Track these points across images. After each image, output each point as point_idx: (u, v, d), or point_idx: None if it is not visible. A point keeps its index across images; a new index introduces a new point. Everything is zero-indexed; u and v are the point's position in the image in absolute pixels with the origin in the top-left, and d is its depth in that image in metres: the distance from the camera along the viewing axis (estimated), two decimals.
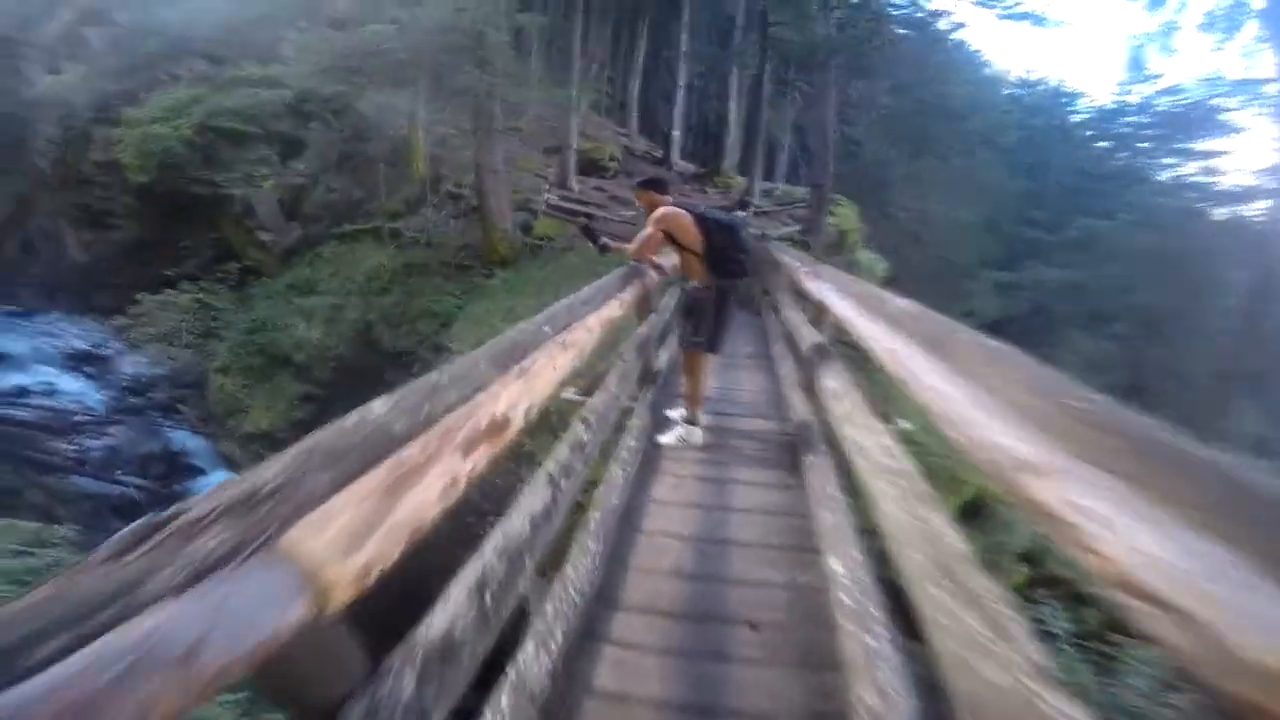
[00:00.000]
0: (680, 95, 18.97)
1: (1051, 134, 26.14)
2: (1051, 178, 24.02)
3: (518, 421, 1.22)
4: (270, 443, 10.39)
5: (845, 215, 14.20)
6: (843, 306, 2.67)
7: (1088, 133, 27.66)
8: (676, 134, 18.84)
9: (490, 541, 1.35)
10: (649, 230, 3.57)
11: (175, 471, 13.39)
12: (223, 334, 11.71)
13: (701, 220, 3.57)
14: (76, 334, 16.78)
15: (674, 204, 3.70)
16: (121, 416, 13.90)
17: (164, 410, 14.45)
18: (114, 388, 14.90)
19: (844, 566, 2.17)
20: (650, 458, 3.42)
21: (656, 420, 3.96)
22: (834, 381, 2.68)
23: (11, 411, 12.67)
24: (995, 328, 1.82)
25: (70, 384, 14.94)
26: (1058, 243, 21.02)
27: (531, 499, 1.50)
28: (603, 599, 2.16)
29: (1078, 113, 28.65)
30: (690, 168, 18.82)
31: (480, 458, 1.06)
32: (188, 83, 14.38)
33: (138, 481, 12.44)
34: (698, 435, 3.74)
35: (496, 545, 1.34)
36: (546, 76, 13.41)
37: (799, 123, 21.41)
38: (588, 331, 2.01)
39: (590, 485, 2.35)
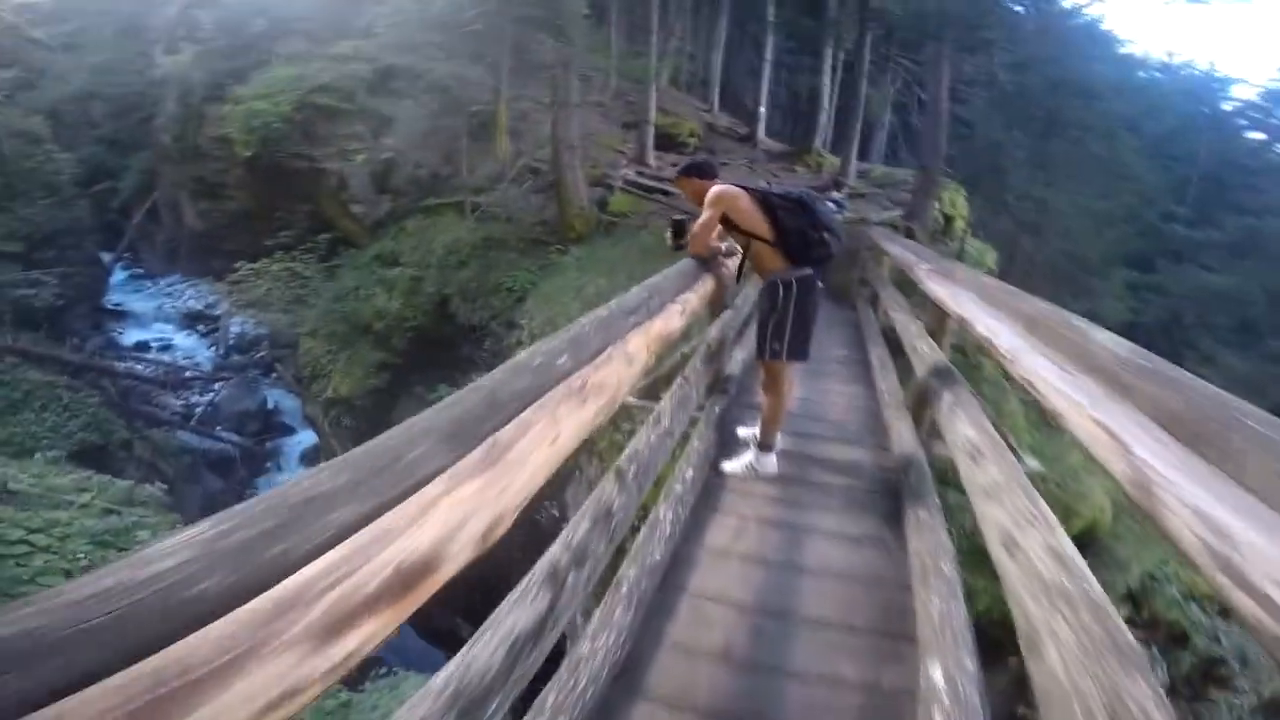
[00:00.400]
0: (767, 70, 17.80)
1: (1199, 122, 22.88)
2: (1197, 169, 20.99)
3: (456, 557, 0.74)
4: (348, 408, 10.65)
5: (952, 200, 12.81)
6: (1000, 333, 1.93)
7: (1242, 122, 24.07)
8: (763, 110, 17.76)
9: (439, 678, 0.90)
10: (706, 215, 2.98)
11: (269, 429, 14.16)
12: (312, 301, 12.09)
13: (764, 200, 2.97)
14: (192, 295, 18.08)
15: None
16: (226, 374, 14.83)
17: (264, 370, 15.32)
18: (221, 346, 15.95)
19: (946, 679, 1.60)
20: (710, 490, 2.83)
21: (724, 439, 3.36)
22: (971, 429, 1.94)
23: (131, 365, 13.74)
24: (1121, 334, 1.17)
25: (184, 341, 16.10)
26: (1204, 241, 18.29)
27: (515, 612, 1.03)
28: (623, 683, 1.69)
29: (1231, 100, 25.00)
30: (777, 146, 17.74)
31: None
32: (286, 60, 14.84)
33: (234, 438, 13.23)
34: (771, 464, 3.10)
35: (444, 691, 0.89)
36: (625, 50, 12.76)
37: (900, 100, 19.66)
38: (627, 363, 1.50)
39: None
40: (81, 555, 5.10)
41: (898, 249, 5.20)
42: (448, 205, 13.27)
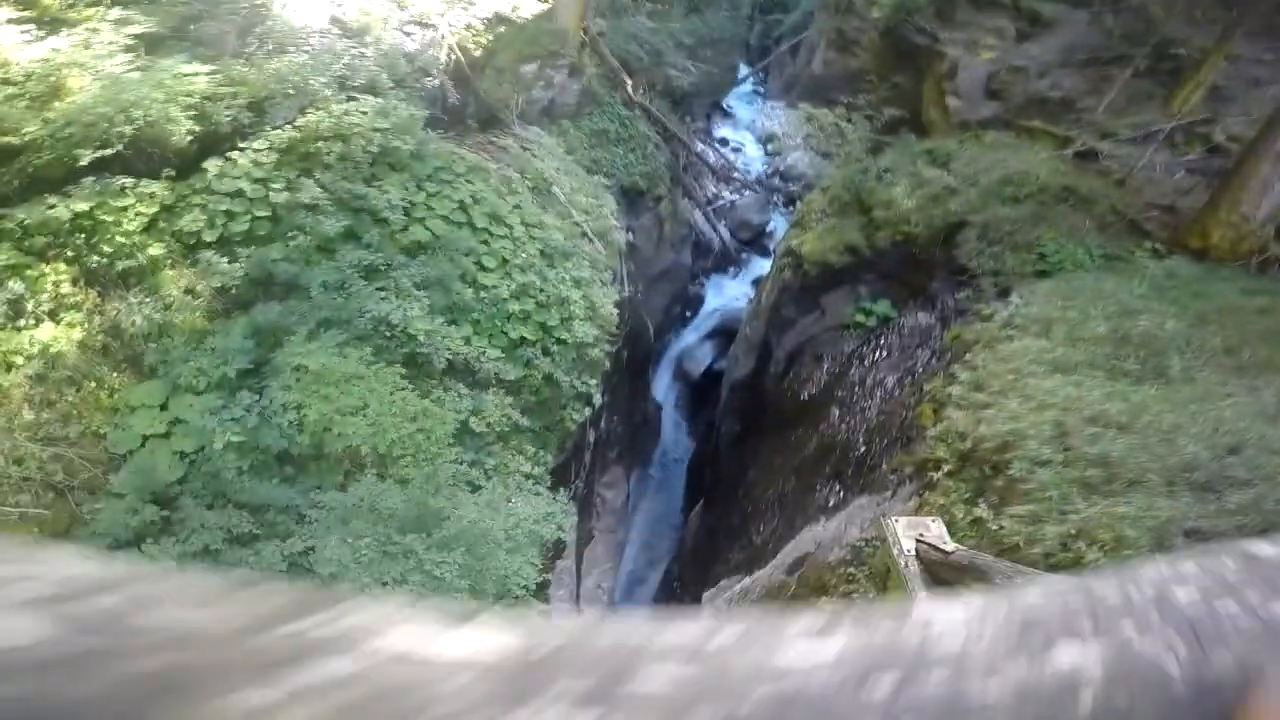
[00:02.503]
0: None
1: None
2: None
3: None
4: (795, 264, 10.32)
5: None
6: None
7: None
8: None
9: None
10: None
11: (753, 245, 15.38)
12: (842, 161, 11.58)
13: None
14: (780, 122, 19.68)
15: None
16: (758, 187, 16.27)
17: (787, 200, 16.22)
18: (770, 167, 17.36)
19: None
20: None
21: None
22: None
23: (705, 151, 16.08)
24: None
25: (751, 151, 18.01)
26: None
27: None
28: None
29: None
30: None
31: None
32: None
33: (727, 235, 14.80)
34: None
35: None
36: None
37: None
38: None
39: None
40: (522, 256, 6.48)
41: None
42: (1052, 135, 10.39)
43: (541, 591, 7.50)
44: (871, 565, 4.85)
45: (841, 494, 6.66)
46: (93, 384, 5.35)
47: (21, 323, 5.10)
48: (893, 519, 3.11)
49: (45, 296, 5.26)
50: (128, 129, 5.39)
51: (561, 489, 7.61)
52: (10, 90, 5.46)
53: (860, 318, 8.74)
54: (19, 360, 5.00)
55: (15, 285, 5.11)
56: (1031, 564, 3.98)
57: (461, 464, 6.17)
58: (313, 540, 5.05)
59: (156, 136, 5.63)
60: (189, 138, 5.77)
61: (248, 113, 6.15)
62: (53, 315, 5.29)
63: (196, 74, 5.88)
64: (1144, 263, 7.32)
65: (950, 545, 2.83)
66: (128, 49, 5.93)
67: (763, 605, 6.20)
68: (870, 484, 6.20)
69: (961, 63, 12.49)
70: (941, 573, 2.80)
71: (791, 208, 15.39)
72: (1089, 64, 11.59)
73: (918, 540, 2.95)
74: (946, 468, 5.18)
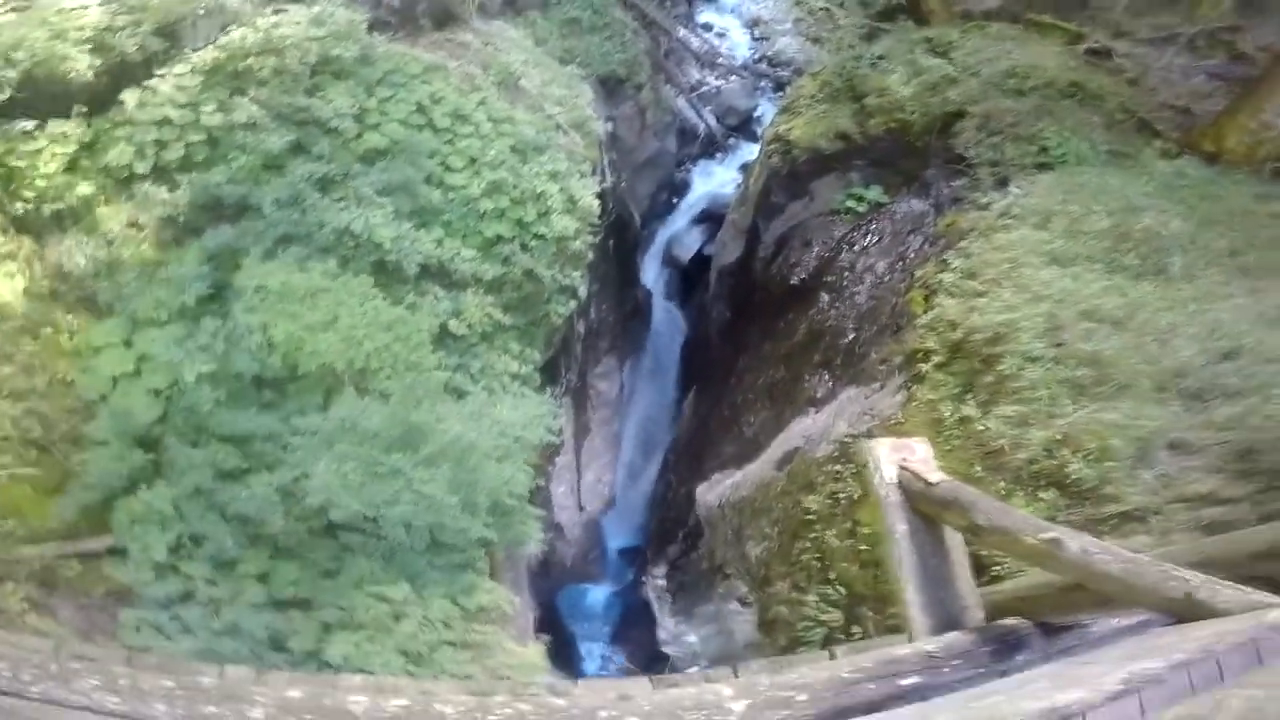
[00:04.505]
0: None
1: None
2: None
3: None
4: (785, 150, 9.23)
5: None
6: None
7: None
8: None
9: None
10: None
11: (741, 129, 13.96)
12: (834, 48, 10.11)
13: None
14: (766, 5, 17.16)
15: None
16: (744, 73, 14.48)
17: (776, 85, 14.48)
18: (757, 53, 15.33)
19: None
20: None
21: None
22: None
23: (688, 36, 14.01)
24: None
25: (737, 37, 15.80)
26: None
27: None
28: None
29: None
30: None
31: None
32: None
33: (713, 121, 13.35)
34: None
35: None
36: None
37: None
38: None
39: None
40: (491, 153, 5.81)
41: None
42: (1063, 30, 8.87)
43: (539, 494, 7.29)
44: (858, 464, 4.62)
45: (830, 384, 6.36)
46: (49, 330, 4.85)
47: None
48: (875, 443, 2.71)
49: None
50: (11, 73, 4.72)
51: (552, 386, 7.25)
52: None
53: (851, 203, 8.03)
54: None
55: None
56: (1015, 471, 3.71)
57: (444, 369, 5.73)
58: (298, 469, 4.62)
59: (52, 75, 4.92)
60: (90, 72, 5.00)
61: (157, 39, 5.29)
62: None
63: (85, 7, 5.11)
64: (1152, 161, 6.54)
65: (935, 476, 2.47)
66: None
67: (752, 501, 6.09)
68: (859, 375, 5.87)
69: None
70: (922, 505, 2.47)
71: (780, 93, 13.78)
72: None
73: (901, 467, 2.58)
74: (936, 359, 4.80)
